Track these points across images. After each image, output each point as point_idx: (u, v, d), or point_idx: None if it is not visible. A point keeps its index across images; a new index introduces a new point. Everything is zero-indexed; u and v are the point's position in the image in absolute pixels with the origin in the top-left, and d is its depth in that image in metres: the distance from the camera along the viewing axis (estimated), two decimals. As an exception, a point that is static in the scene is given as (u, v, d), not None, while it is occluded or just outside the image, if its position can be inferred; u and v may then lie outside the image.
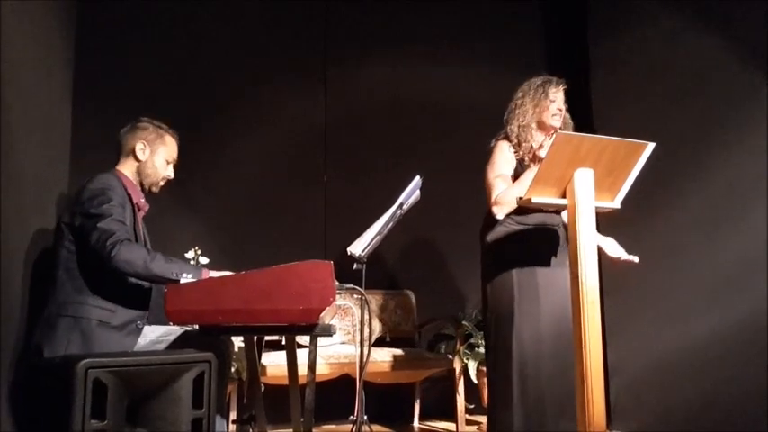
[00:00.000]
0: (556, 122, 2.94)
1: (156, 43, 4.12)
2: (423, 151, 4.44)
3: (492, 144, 3.00)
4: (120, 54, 4.01)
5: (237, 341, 3.09)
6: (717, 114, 3.51)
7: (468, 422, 4.07)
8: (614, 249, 2.87)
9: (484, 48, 4.71)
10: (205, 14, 4.27)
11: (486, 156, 2.99)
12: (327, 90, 4.51)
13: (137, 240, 2.57)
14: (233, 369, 3.32)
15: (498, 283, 2.88)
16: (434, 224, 4.36)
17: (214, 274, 2.39)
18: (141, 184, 2.72)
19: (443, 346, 4.26)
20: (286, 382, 2.70)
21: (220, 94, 4.23)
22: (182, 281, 2.29)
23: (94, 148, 3.66)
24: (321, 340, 2.77)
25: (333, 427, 3.93)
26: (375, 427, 3.49)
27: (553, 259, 2.91)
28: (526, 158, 2.91)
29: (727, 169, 3.44)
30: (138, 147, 2.69)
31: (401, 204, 2.91)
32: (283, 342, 2.90)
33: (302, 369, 2.50)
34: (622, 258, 2.85)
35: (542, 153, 2.81)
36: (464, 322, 4.11)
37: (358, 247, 2.88)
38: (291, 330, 2.27)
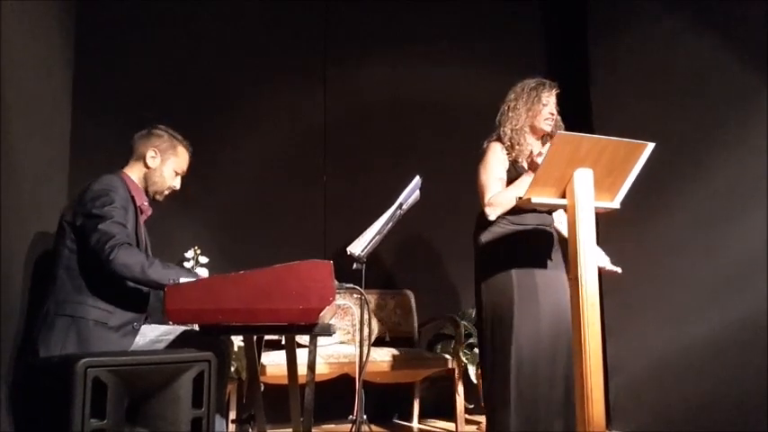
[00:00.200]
0: (547, 126, 2.98)
1: (156, 43, 4.12)
2: (422, 151, 4.45)
3: (485, 145, 3.02)
4: (120, 54, 4.01)
5: (237, 341, 3.09)
6: (717, 114, 3.51)
7: (468, 422, 4.07)
8: (599, 259, 2.86)
9: (484, 48, 4.71)
10: (205, 14, 4.27)
11: (478, 157, 3.01)
12: (327, 90, 4.51)
13: (137, 243, 2.57)
14: (232, 369, 3.32)
15: (496, 283, 2.88)
16: (434, 224, 4.36)
17: None
18: (146, 190, 2.71)
19: (443, 346, 4.26)
20: (285, 381, 2.70)
21: (220, 94, 4.24)
22: None
23: (94, 147, 3.68)
24: (321, 340, 2.76)
25: (332, 426, 3.93)
26: (374, 426, 3.49)
27: (549, 260, 2.93)
28: (519, 160, 2.93)
29: (727, 169, 3.44)
30: (150, 154, 2.68)
31: (401, 204, 2.91)
32: (283, 342, 2.90)
33: (302, 369, 2.50)
34: (606, 268, 2.85)
35: (540, 160, 2.81)
36: (463, 322, 4.10)
37: (358, 247, 2.88)
38: (291, 330, 2.27)
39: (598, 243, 2.45)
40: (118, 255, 2.35)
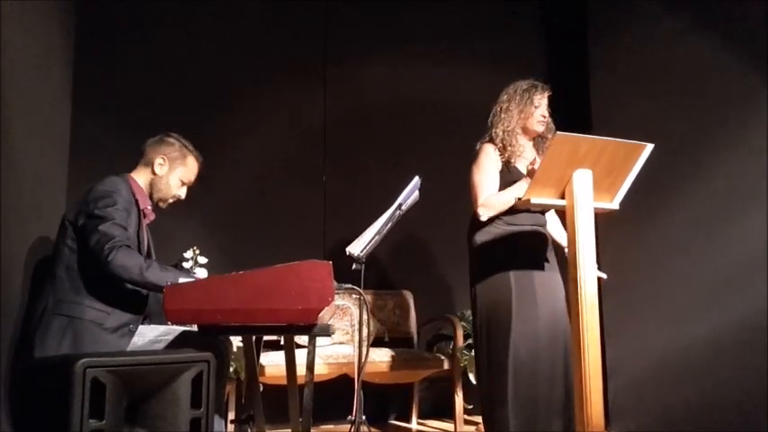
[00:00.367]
0: (539, 128, 3.00)
1: (156, 43, 4.12)
2: (422, 151, 4.44)
3: (477, 147, 3.03)
4: (120, 54, 4.00)
5: (236, 341, 3.09)
6: (717, 114, 3.51)
7: (467, 422, 4.07)
8: None
9: (484, 48, 4.70)
10: (205, 14, 4.27)
11: (471, 158, 3.01)
12: (327, 90, 4.51)
13: (139, 246, 2.57)
14: (231, 369, 3.32)
15: (492, 284, 2.89)
16: (433, 225, 4.35)
17: None
18: (151, 196, 2.71)
19: (442, 347, 4.25)
20: (284, 382, 2.70)
21: (220, 94, 4.23)
22: None
23: (94, 147, 3.68)
24: (320, 340, 2.76)
25: (331, 427, 3.93)
26: (373, 427, 3.49)
27: (546, 262, 2.94)
28: (511, 160, 2.94)
29: (727, 169, 3.44)
30: (158, 161, 2.68)
31: (400, 205, 2.91)
32: (282, 342, 2.90)
33: (301, 369, 2.50)
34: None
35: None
36: (462, 323, 4.10)
37: (357, 248, 2.88)
38: (290, 330, 2.27)
39: (598, 243, 2.45)
40: (116, 256, 2.35)
